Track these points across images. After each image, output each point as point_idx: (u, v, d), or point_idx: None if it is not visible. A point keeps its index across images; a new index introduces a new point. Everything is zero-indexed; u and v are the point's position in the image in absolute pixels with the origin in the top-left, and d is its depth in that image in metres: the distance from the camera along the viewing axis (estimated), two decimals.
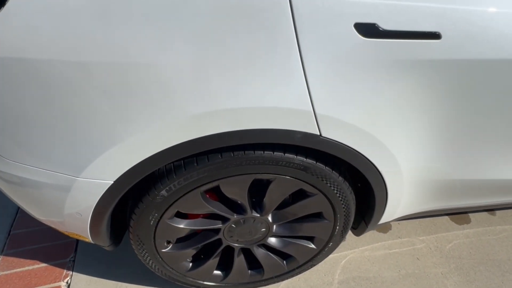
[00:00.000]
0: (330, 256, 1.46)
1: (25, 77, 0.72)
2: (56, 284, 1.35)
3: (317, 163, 0.93)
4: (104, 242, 1.07)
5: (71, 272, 1.39)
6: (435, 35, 0.77)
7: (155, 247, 1.06)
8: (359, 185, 1.13)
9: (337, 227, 1.13)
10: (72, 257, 1.44)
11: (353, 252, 1.48)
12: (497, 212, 1.70)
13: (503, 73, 0.83)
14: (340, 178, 0.98)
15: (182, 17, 0.69)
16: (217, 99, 0.75)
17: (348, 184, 1.02)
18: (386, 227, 1.60)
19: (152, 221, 0.97)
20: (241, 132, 0.79)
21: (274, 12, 0.71)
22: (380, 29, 0.75)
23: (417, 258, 1.47)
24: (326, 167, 0.95)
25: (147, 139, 0.78)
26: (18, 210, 1.63)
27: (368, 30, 0.74)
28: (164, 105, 0.74)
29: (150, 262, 1.11)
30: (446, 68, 0.81)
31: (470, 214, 1.68)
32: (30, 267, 1.41)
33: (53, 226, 1.06)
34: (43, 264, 1.41)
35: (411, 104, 0.87)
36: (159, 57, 0.71)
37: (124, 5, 0.67)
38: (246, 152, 0.87)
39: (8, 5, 0.67)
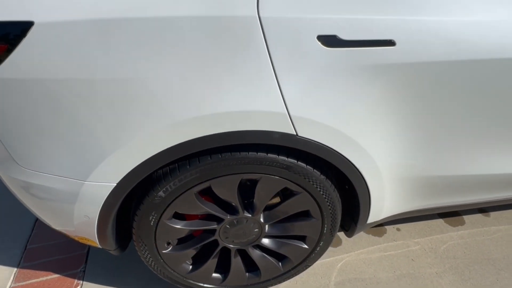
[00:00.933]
0: (327, 259, 1.52)
1: (40, 94, 0.85)
2: None
3: (298, 162, 1.02)
4: (111, 246, 1.17)
5: (81, 282, 1.48)
6: (390, 43, 0.88)
7: (156, 248, 1.15)
8: (346, 187, 1.22)
9: (325, 226, 1.20)
10: (83, 268, 1.54)
11: (349, 256, 1.53)
12: (491, 213, 1.73)
13: (455, 73, 0.93)
14: (322, 176, 1.07)
15: (172, 40, 0.82)
16: (203, 105, 0.87)
17: (330, 182, 1.10)
18: (381, 231, 1.65)
19: (152, 222, 1.07)
20: (224, 134, 0.90)
21: (248, 32, 0.84)
22: (340, 39, 0.87)
23: (412, 259, 1.51)
24: (308, 166, 1.04)
25: (143, 144, 0.90)
26: (34, 226, 1.75)
27: (329, 40, 0.86)
28: (156, 113, 0.87)
29: (153, 263, 1.20)
30: (404, 70, 0.92)
31: (464, 216, 1.72)
32: (44, 278, 1.50)
33: (64, 231, 1.16)
34: (56, 275, 1.51)
35: (379, 104, 0.97)
36: (150, 73, 0.83)
37: (121, 32, 0.81)
38: (232, 153, 0.97)
39: (28, 36, 0.82)
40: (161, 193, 1.01)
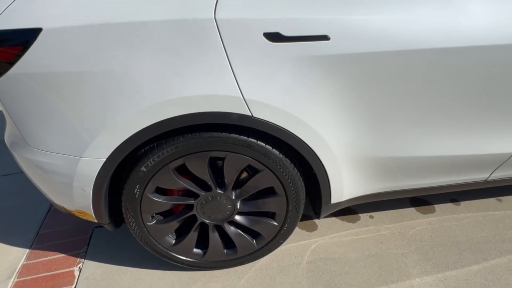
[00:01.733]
0: (302, 242, 1.65)
1: (45, 86, 1.08)
2: (71, 269, 1.63)
3: (258, 141, 1.21)
4: (105, 220, 1.37)
5: (83, 260, 1.67)
6: (325, 37, 1.08)
7: (142, 220, 1.34)
8: (313, 171, 1.38)
9: (290, 202, 1.36)
10: (84, 249, 1.73)
11: (322, 239, 1.67)
12: (462, 202, 1.83)
13: (380, 62, 1.11)
14: (281, 155, 1.25)
15: (146, 40, 1.04)
16: (171, 91, 1.07)
17: (289, 161, 1.27)
18: (355, 218, 1.78)
19: (137, 194, 1.26)
20: (189, 115, 1.10)
21: (207, 31, 1.05)
22: (283, 35, 1.06)
23: (381, 242, 1.63)
24: (267, 145, 1.22)
25: (125, 124, 1.11)
26: (46, 216, 1.98)
27: (273, 36, 1.06)
28: (134, 98, 1.08)
29: (139, 234, 1.38)
30: (338, 60, 1.10)
31: (435, 205, 1.83)
32: (51, 257, 1.71)
33: (66, 207, 1.37)
34: (62, 255, 1.71)
35: (323, 89, 1.15)
36: (130, 66, 1.05)
37: (107, 33, 1.04)
38: (200, 133, 1.17)
39: (38, 39, 1.05)
40: (143, 168, 1.21)
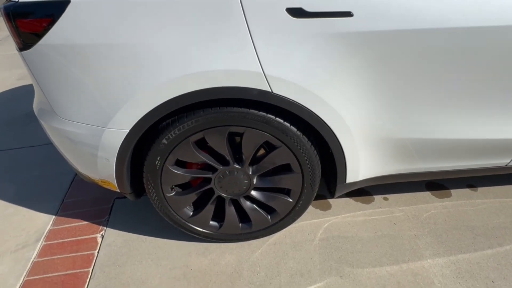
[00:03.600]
0: (315, 220, 1.69)
1: (73, 57, 1.12)
2: (94, 235, 1.72)
3: (277, 118, 1.22)
4: (126, 189, 1.43)
5: (105, 228, 1.76)
6: (348, 14, 1.07)
7: (162, 191, 1.39)
8: (330, 151, 1.39)
9: (305, 179, 1.39)
10: (107, 218, 1.82)
11: (336, 218, 1.69)
12: (479, 188, 1.82)
13: (410, 40, 1.09)
14: (299, 132, 1.26)
15: (169, 13, 1.06)
16: (193, 65, 1.09)
17: (307, 139, 1.29)
18: (370, 200, 1.79)
19: (158, 166, 1.31)
20: (210, 89, 1.12)
21: (230, 6, 1.06)
22: (305, 11, 1.06)
23: (394, 223, 1.64)
24: (285, 122, 1.24)
25: (148, 97, 1.14)
26: (70, 185, 2.07)
27: (296, 12, 1.06)
28: (157, 71, 1.11)
29: (159, 205, 1.44)
30: (361, 38, 1.09)
31: (451, 190, 1.81)
32: (76, 224, 1.80)
33: (90, 176, 1.44)
34: (85, 222, 1.80)
35: (342, 68, 1.15)
36: (154, 39, 1.08)
37: (133, 5, 1.06)
38: (220, 107, 1.19)
39: (66, 11, 1.09)
40: (164, 141, 1.25)
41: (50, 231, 1.78)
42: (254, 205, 1.49)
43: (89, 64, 1.13)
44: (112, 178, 1.38)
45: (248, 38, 1.08)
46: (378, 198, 1.80)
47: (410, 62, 1.14)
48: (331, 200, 1.80)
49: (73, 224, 1.80)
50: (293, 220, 1.55)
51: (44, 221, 1.84)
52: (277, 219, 1.52)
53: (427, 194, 1.80)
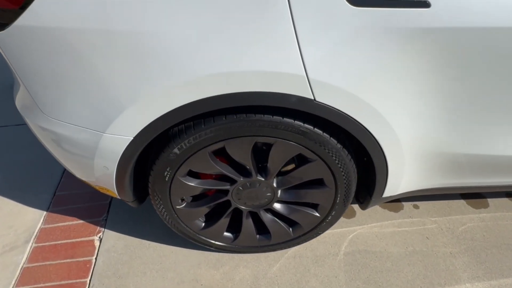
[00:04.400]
0: (338, 230, 1.52)
1: (59, 43, 0.86)
2: (91, 238, 1.54)
3: (315, 128, 1.00)
4: (129, 198, 1.22)
5: (103, 229, 1.58)
6: (425, 4, 0.81)
7: (171, 203, 1.19)
8: (365, 159, 1.19)
9: (339, 195, 1.19)
10: (105, 217, 1.63)
11: (361, 228, 1.53)
12: None
13: (494, 41, 0.85)
14: (339, 145, 1.05)
15: None
16: (219, 63, 0.85)
17: (347, 152, 1.08)
18: (398, 207, 1.62)
19: (167, 177, 1.10)
20: (238, 94, 0.88)
21: None
22: None
23: (427, 237, 1.48)
24: (324, 133, 1.01)
25: (159, 99, 0.90)
26: (63, 175, 1.86)
27: None
28: (172, 69, 0.86)
29: (167, 217, 1.25)
30: (437, 36, 0.84)
31: (489, 199, 1.64)
32: (70, 223, 1.61)
33: (87, 180, 1.22)
34: (81, 221, 1.61)
35: (407, 72, 0.91)
36: (168, 28, 0.82)
37: None
38: (247, 115, 0.96)
39: None
40: (176, 150, 1.03)
41: (41, 230, 1.59)
42: (275, 218, 1.30)
43: (81, 54, 0.87)
44: (112, 187, 1.17)
45: (291, 31, 0.82)
46: (407, 205, 1.62)
47: (487, 67, 0.91)
48: (355, 206, 1.62)
49: (67, 223, 1.61)
50: (317, 235, 1.37)
51: (34, 218, 1.64)
52: (299, 233, 1.35)
53: (461, 203, 1.63)
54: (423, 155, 1.13)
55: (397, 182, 1.20)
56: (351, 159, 1.10)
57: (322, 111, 0.93)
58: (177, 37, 0.82)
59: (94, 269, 1.42)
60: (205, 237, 1.34)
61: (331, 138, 1.03)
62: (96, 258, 1.46)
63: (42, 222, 1.62)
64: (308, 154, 1.06)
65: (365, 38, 0.84)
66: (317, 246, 1.46)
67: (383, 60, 0.88)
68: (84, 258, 1.46)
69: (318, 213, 1.27)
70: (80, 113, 0.98)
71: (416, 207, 1.62)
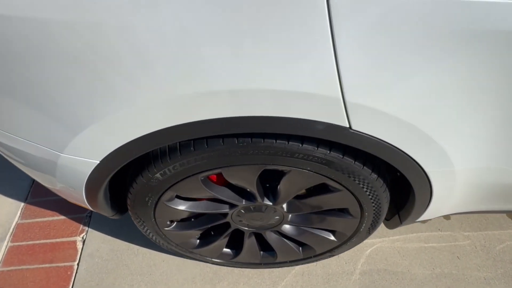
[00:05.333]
0: None
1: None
2: (73, 239, 1.37)
3: (344, 157, 0.74)
4: (107, 213, 1.00)
5: (87, 228, 1.39)
6: None
7: (157, 225, 0.97)
8: (398, 174, 0.93)
9: (363, 225, 0.96)
10: (88, 213, 1.44)
11: (382, 241, 1.32)
12: None
13: None
14: (373, 175, 0.79)
15: None
16: (219, 78, 0.57)
17: (382, 181, 0.82)
18: None
19: (149, 203, 0.87)
20: (243, 118, 0.61)
21: None
22: None
23: (457, 257, 1.28)
24: (356, 163, 0.75)
25: (130, 120, 0.64)
26: None
27: None
28: (149, 79, 0.58)
29: (153, 237, 1.05)
30: None
31: None
32: (50, 218, 1.43)
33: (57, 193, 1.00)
34: (62, 217, 1.43)
35: (479, 89, 0.62)
36: (138, 22, 0.53)
37: None
38: (253, 139, 0.70)
39: None
40: (158, 176, 0.78)
41: (17, 225, 1.41)
42: (283, 239, 1.09)
43: (22, 52, 0.59)
44: (84, 204, 0.95)
45: (324, 30, 0.53)
46: None
47: None
48: None
49: (47, 219, 1.43)
50: (329, 257, 1.17)
51: (10, 211, 1.46)
52: (310, 254, 1.14)
53: (501, 215, 1.40)
54: (479, 185, 0.87)
55: (438, 209, 0.96)
56: (386, 189, 0.85)
57: (359, 141, 0.66)
58: (165, 36, 0.53)
59: (76, 277, 1.26)
60: (200, 254, 1.14)
61: (365, 167, 0.77)
62: (78, 264, 1.29)
63: (19, 216, 1.44)
64: (331, 183, 0.81)
65: (428, 44, 0.55)
66: (328, 262, 1.27)
67: (452, 73, 0.59)
68: (65, 264, 1.30)
69: (335, 238, 1.05)
70: (34, 129, 0.73)
71: (446, 217, 1.39)
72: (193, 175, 0.78)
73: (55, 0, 0.52)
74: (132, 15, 0.52)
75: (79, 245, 1.35)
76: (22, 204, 1.48)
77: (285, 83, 0.57)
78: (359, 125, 0.63)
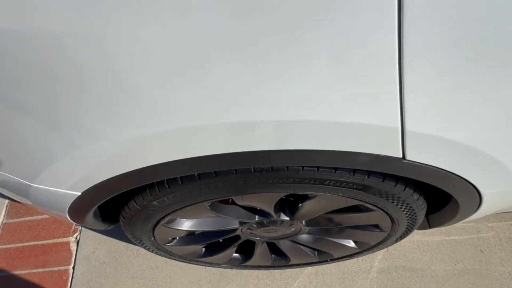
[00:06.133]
0: None
1: None
2: (66, 239, 1.26)
3: (385, 181, 0.60)
4: (99, 227, 0.88)
5: (80, 227, 1.28)
6: None
7: (157, 242, 0.85)
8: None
9: (392, 237, 0.85)
10: None
11: None
12: None
13: None
14: (415, 195, 0.66)
15: None
16: (234, 107, 0.41)
17: (423, 199, 0.69)
18: None
19: (146, 226, 0.74)
20: (266, 154, 0.46)
21: None
22: None
23: (481, 251, 1.20)
24: (398, 185, 0.62)
25: (111, 152, 0.48)
26: None
27: None
28: (150, 105, 0.42)
29: (153, 251, 0.93)
30: None
31: None
32: (39, 217, 1.31)
33: None
34: None
35: None
36: (125, 35, 0.36)
37: None
38: (274, 167, 0.55)
39: None
40: (155, 203, 0.64)
41: (3, 226, 1.29)
42: (298, 245, 0.99)
43: None
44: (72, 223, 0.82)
45: (391, 43, 0.36)
46: None
47: None
48: None
49: (35, 217, 1.31)
50: (346, 259, 1.08)
51: None
52: (326, 258, 1.05)
53: None
54: None
55: (475, 216, 0.85)
56: (425, 205, 0.73)
57: (410, 171, 0.52)
58: (162, 49, 0.37)
59: (73, 282, 1.17)
60: (206, 262, 1.04)
61: (406, 189, 0.63)
62: (74, 268, 1.20)
63: (4, 215, 1.32)
64: (366, 205, 0.68)
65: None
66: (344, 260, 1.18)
67: None
68: (59, 268, 1.20)
69: (356, 246, 0.95)
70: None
71: None
72: (197, 203, 0.64)
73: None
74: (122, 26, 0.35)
75: (73, 247, 1.24)
76: (6, 201, 1.35)
77: (336, 113, 0.41)
78: (415, 155, 0.49)
